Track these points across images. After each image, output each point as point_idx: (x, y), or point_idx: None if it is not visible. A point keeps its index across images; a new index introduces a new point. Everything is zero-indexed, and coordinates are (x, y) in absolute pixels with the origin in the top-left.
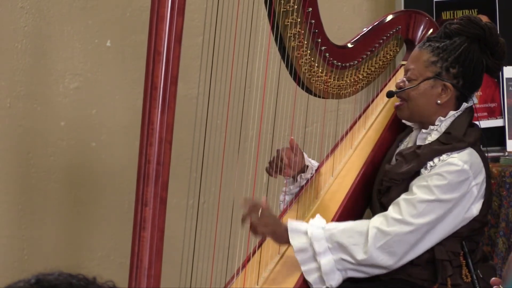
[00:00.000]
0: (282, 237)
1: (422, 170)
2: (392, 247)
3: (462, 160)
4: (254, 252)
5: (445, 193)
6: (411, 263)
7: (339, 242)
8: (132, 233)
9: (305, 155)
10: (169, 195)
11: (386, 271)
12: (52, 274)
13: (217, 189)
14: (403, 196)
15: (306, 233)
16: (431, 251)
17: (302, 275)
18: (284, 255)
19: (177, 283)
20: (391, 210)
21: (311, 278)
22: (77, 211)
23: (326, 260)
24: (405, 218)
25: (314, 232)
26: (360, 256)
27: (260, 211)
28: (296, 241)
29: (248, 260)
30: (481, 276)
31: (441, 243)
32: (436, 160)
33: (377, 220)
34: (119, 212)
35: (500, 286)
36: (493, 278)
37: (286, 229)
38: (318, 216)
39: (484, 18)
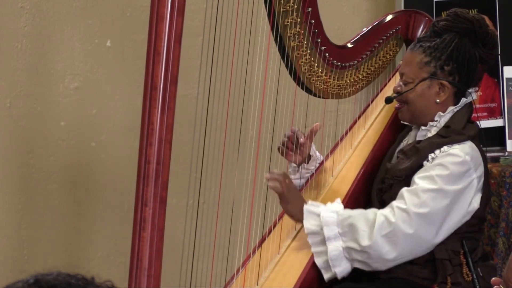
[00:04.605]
0: (297, 216)
1: (424, 163)
2: (397, 237)
3: (464, 152)
4: (254, 252)
5: (447, 184)
6: (411, 261)
7: (350, 225)
8: (132, 233)
9: (313, 146)
10: (169, 195)
11: (390, 265)
12: (50, 274)
13: (217, 189)
14: (405, 188)
15: (319, 215)
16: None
17: (302, 274)
18: (284, 254)
19: (177, 283)
20: (397, 201)
21: (319, 261)
22: (77, 211)
23: (334, 246)
24: (409, 208)
25: (327, 216)
26: (365, 242)
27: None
28: (309, 223)
29: (248, 259)
30: (481, 275)
31: (441, 242)
32: (437, 151)
33: (386, 210)
34: (119, 212)
35: (501, 286)
36: (494, 278)
37: (302, 209)
38: (337, 200)
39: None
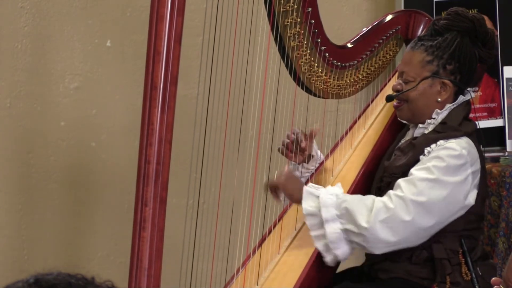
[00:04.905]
0: (296, 195)
1: (421, 157)
2: (394, 223)
3: (460, 146)
4: (254, 252)
5: (444, 175)
6: (410, 261)
7: (348, 208)
8: (132, 233)
9: (315, 145)
10: (169, 195)
11: (391, 248)
12: (50, 274)
13: (217, 189)
14: (401, 179)
15: (318, 197)
16: (429, 249)
17: (302, 274)
18: (284, 254)
19: (177, 283)
20: (393, 190)
21: (318, 244)
22: (77, 211)
23: (332, 228)
24: (406, 195)
25: (325, 198)
26: (363, 224)
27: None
28: (307, 204)
29: (248, 259)
30: (480, 274)
31: (439, 241)
32: (433, 145)
33: (383, 197)
34: (119, 212)
35: (501, 286)
36: (494, 278)
37: (300, 189)
38: (338, 184)
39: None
